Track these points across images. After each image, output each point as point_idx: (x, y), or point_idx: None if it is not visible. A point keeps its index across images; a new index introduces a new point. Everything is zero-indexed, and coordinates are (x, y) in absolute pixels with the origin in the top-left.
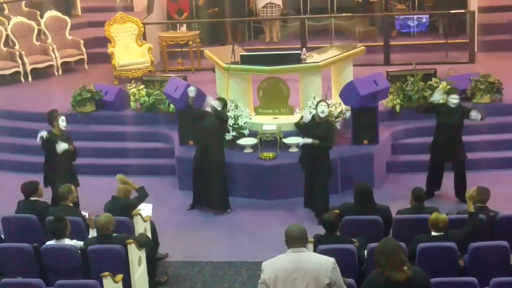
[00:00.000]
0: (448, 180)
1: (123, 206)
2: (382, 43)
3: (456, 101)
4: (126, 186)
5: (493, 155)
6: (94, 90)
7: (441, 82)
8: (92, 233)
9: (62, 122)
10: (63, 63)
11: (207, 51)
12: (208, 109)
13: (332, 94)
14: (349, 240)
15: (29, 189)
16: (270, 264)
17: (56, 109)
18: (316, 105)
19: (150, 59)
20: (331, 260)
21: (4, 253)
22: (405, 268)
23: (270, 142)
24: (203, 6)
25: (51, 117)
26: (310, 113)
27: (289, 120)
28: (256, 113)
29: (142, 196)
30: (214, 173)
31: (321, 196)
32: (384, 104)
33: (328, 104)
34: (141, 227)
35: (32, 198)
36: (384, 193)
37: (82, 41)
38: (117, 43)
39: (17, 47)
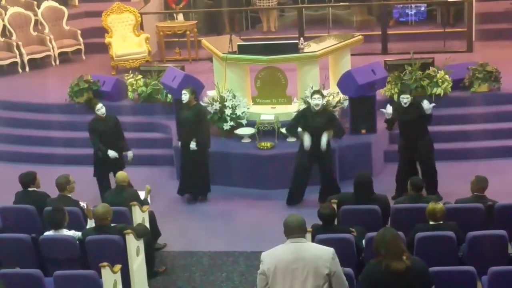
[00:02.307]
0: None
1: (131, 196)
2: (380, 32)
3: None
4: (125, 174)
5: (491, 144)
6: (91, 81)
7: (439, 71)
8: (90, 223)
9: (98, 111)
10: (60, 54)
11: (205, 41)
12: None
13: (330, 83)
14: (347, 230)
15: (27, 180)
16: (270, 255)
17: (91, 97)
18: (311, 96)
19: (147, 49)
20: (330, 251)
21: (2, 244)
22: (404, 257)
23: (268, 131)
24: None
25: (90, 105)
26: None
27: (287, 110)
28: (254, 103)
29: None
30: (198, 162)
31: (330, 182)
32: (382, 93)
33: (322, 96)
34: (139, 217)
35: (30, 189)
36: (382, 182)
37: (79, 31)
38: (114, 33)
39: (14, 37)
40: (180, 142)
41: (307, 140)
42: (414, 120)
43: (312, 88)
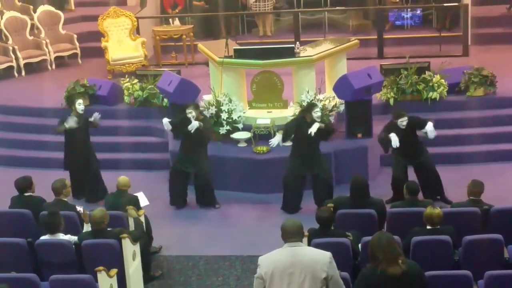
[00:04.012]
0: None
1: (129, 200)
2: (376, 37)
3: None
4: (127, 179)
5: (487, 148)
6: (87, 85)
7: (435, 75)
8: (87, 227)
9: (78, 106)
10: (56, 58)
11: (201, 45)
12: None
13: (326, 87)
14: (343, 234)
15: (24, 185)
16: (267, 259)
17: (75, 93)
18: (311, 109)
19: (143, 53)
20: (327, 255)
21: None
22: (400, 261)
23: (264, 136)
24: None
25: (69, 101)
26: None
27: (283, 114)
28: (250, 107)
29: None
30: (200, 176)
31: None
32: (378, 97)
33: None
34: (135, 221)
35: (26, 194)
36: (378, 186)
37: (75, 36)
38: (111, 37)
39: (10, 41)
40: (182, 156)
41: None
42: (414, 137)
43: (308, 92)
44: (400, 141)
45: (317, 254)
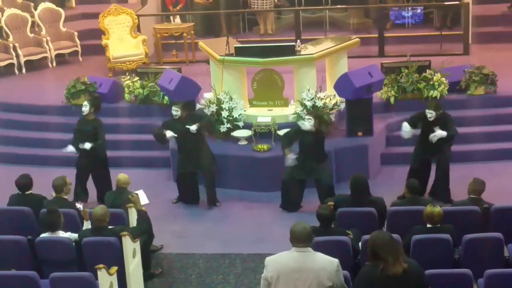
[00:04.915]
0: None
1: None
2: (377, 35)
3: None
4: (127, 176)
5: (488, 146)
6: (88, 82)
7: (436, 74)
8: (86, 225)
9: (83, 108)
10: (57, 55)
11: (202, 43)
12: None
13: (326, 86)
14: (343, 232)
15: (25, 183)
16: (274, 261)
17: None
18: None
19: (144, 51)
20: (335, 262)
21: None
22: (401, 260)
23: (265, 134)
24: None
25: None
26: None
27: (283, 112)
28: (250, 105)
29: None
30: (203, 175)
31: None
32: (378, 96)
33: (314, 117)
34: (135, 219)
35: (27, 192)
36: (379, 185)
37: (76, 33)
38: (111, 35)
39: (11, 39)
40: (182, 158)
41: (290, 159)
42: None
43: (309, 90)
44: (425, 133)
45: (324, 262)
